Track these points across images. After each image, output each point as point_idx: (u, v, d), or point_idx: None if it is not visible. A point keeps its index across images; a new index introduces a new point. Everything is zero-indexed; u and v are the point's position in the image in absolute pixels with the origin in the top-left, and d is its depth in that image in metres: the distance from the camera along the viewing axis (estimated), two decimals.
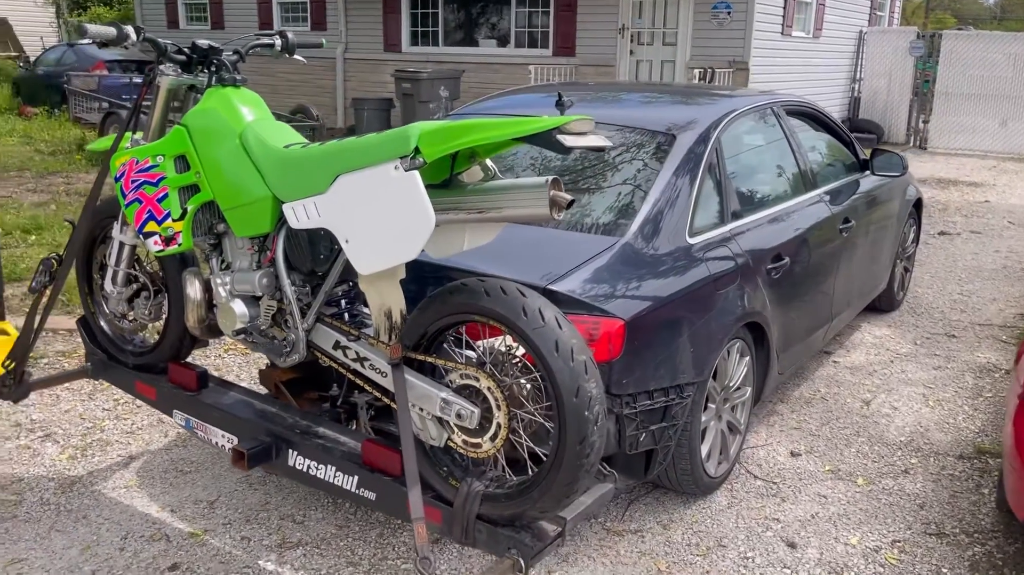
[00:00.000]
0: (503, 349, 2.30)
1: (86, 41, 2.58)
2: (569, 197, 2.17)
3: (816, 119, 4.65)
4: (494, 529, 2.29)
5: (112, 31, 2.58)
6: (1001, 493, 3.20)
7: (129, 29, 2.61)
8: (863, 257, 4.67)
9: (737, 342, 3.35)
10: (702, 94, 4.28)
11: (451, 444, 2.33)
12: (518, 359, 2.29)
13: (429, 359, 2.34)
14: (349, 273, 2.49)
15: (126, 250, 2.99)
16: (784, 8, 12.28)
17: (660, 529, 3.16)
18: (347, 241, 2.29)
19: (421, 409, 2.31)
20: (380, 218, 2.20)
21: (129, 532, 3.07)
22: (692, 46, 11.78)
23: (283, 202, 2.46)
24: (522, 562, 2.21)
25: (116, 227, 2.97)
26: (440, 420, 2.32)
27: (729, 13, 11.34)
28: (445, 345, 2.39)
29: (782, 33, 12.38)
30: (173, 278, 2.93)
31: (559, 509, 2.26)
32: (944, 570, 2.96)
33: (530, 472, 2.30)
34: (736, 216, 3.50)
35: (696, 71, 11.05)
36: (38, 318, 3.00)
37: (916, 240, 5.94)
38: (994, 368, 4.80)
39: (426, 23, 14.52)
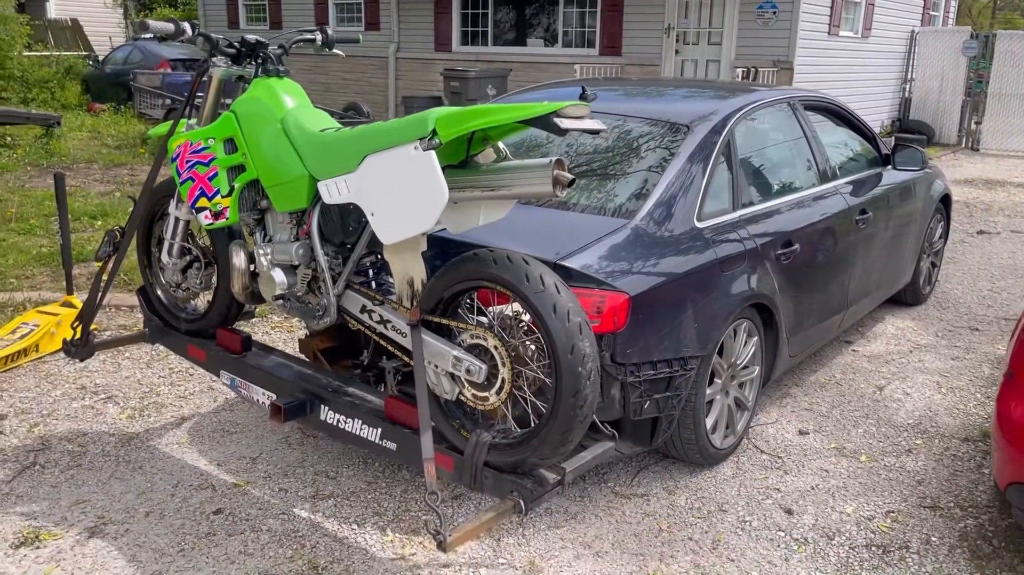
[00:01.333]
0: (510, 314, 2.55)
1: (148, 36, 2.89)
2: (571, 176, 2.41)
3: (837, 114, 4.79)
4: (499, 475, 2.54)
5: (170, 26, 2.90)
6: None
7: (186, 25, 2.93)
8: (882, 249, 4.80)
9: (744, 322, 3.54)
10: (724, 89, 4.47)
11: (462, 398, 2.59)
12: (523, 322, 2.54)
13: (444, 321, 2.60)
14: (375, 244, 2.77)
15: (181, 224, 3.31)
16: (831, 8, 12.28)
17: (665, 494, 3.38)
18: (372, 214, 2.56)
19: (436, 366, 2.58)
20: (401, 193, 2.46)
21: (180, 482, 3.40)
22: (737, 46, 11.86)
23: (318, 180, 2.75)
24: (522, 503, 2.46)
25: (172, 204, 3.29)
26: (452, 376, 2.57)
27: (775, 12, 11.40)
28: (460, 310, 2.65)
29: (828, 33, 12.37)
30: (222, 250, 3.24)
31: (556, 457, 2.49)
32: (934, 539, 3.12)
33: (532, 424, 2.54)
34: (747, 204, 3.69)
35: (739, 70, 11.14)
36: (103, 285, 3.34)
37: (945, 236, 6.02)
38: None
39: (476, 23, 14.83)
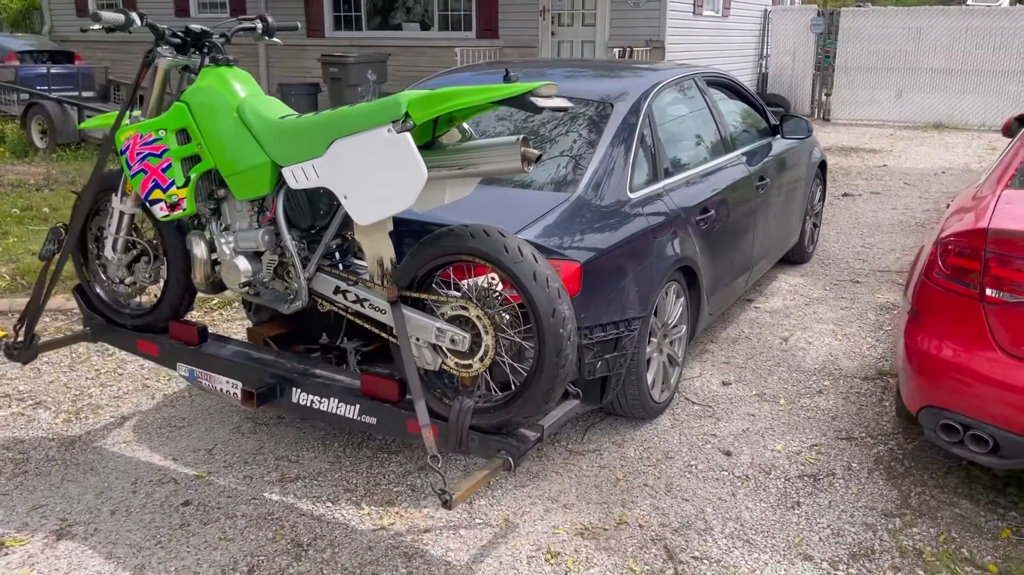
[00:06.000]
0: (485, 285, 2.70)
1: (96, 27, 2.83)
2: (537, 152, 2.58)
3: (731, 88, 5.16)
4: (485, 437, 2.69)
5: (121, 17, 2.86)
6: (899, 403, 3.77)
7: (135, 15, 2.90)
8: (777, 212, 5.22)
9: (673, 284, 3.82)
10: (633, 68, 4.73)
11: (445, 367, 2.72)
12: (499, 292, 2.69)
13: (423, 296, 2.72)
14: (345, 226, 2.85)
15: (125, 219, 3.26)
16: None
17: (615, 447, 3.62)
18: (346, 197, 2.64)
19: (417, 339, 2.70)
20: (376, 175, 2.56)
21: (138, 479, 3.37)
22: (611, 27, 12.29)
23: (281, 166, 2.79)
24: (511, 460, 2.63)
25: (116, 198, 3.24)
26: (434, 347, 2.70)
27: None
28: (433, 285, 2.77)
29: (694, 13, 13.00)
30: (171, 242, 3.22)
31: (539, 414, 2.68)
32: (854, 465, 3.50)
33: (513, 387, 2.71)
34: (668, 174, 3.96)
35: (616, 50, 11.56)
36: (47, 284, 3.25)
37: (823, 198, 6.56)
38: (892, 306, 5.42)
39: (348, 7, 14.66)
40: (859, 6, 22.24)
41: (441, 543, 2.96)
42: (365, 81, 12.37)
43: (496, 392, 2.78)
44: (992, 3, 23.33)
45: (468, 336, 2.62)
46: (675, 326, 3.92)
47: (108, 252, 3.30)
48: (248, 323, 4.24)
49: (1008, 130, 5.30)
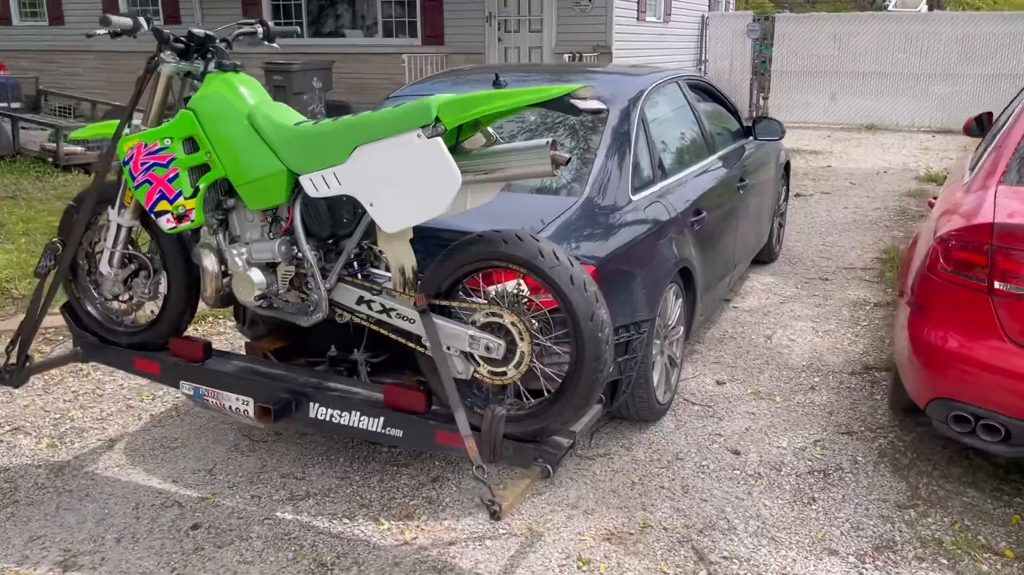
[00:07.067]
0: (514, 290, 2.66)
1: (102, 31, 2.70)
2: (567, 156, 2.56)
3: (708, 91, 5.22)
4: (520, 445, 2.65)
5: (130, 21, 2.74)
6: (894, 396, 3.87)
7: (142, 19, 2.77)
8: (753, 213, 5.31)
9: (673, 285, 3.84)
10: (620, 71, 4.76)
11: (477, 376, 2.67)
12: (527, 297, 2.66)
13: (450, 304, 2.67)
14: (367, 235, 2.77)
15: (123, 232, 3.12)
16: None
17: (624, 451, 3.61)
18: (372, 204, 2.57)
19: (448, 347, 2.64)
20: (406, 181, 2.50)
21: (139, 503, 3.22)
22: (557, 32, 12.36)
23: (298, 175, 2.71)
24: (549, 467, 2.59)
25: (112, 211, 3.10)
26: (466, 355, 2.65)
27: (591, 0, 11.97)
28: (460, 292, 2.72)
29: (638, 19, 13.17)
30: (172, 256, 3.09)
31: (576, 420, 2.65)
32: (859, 458, 3.57)
33: (546, 393, 2.67)
34: (663, 176, 3.99)
35: (566, 56, 11.62)
36: (42, 302, 3.08)
37: (787, 199, 6.70)
38: (864, 302, 5.57)
39: (289, 15, 14.41)
40: (779, 13, 22.88)
41: (469, 555, 2.91)
42: (310, 89, 12.15)
43: (528, 399, 2.74)
44: (912, 9, 24.31)
45: (503, 343, 2.57)
46: (674, 327, 3.94)
47: (104, 267, 3.15)
48: (230, 336, 4.10)
49: (968, 129, 5.50)
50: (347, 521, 3.10)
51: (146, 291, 3.17)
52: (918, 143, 13.49)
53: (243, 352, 3.59)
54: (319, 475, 3.40)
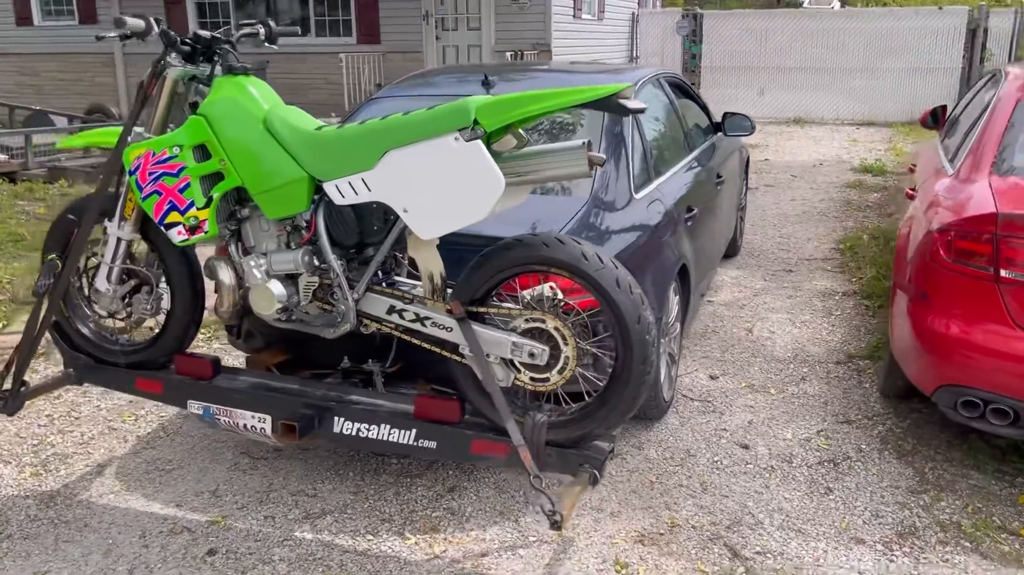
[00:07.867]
0: (550, 294, 2.61)
1: (112, 34, 2.53)
2: (603, 157, 2.52)
3: (682, 88, 5.26)
4: (564, 452, 2.60)
5: (142, 23, 2.58)
6: (886, 382, 3.96)
7: (152, 21, 2.62)
8: (726, 208, 5.38)
9: (673, 282, 3.85)
10: (606, 69, 4.75)
11: (517, 382, 2.61)
12: (563, 301, 2.61)
13: (486, 310, 2.60)
14: (399, 243, 2.68)
15: (123, 246, 2.94)
16: None
17: (636, 451, 3.61)
18: (405, 211, 2.49)
19: (488, 355, 2.57)
20: (443, 186, 2.42)
21: (145, 531, 3.05)
22: (496, 31, 12.32)
23: (321, 181, 2.60)
24: (596, 473, 2.56)
25: (111, 224, 2.92)
26: (506, 362, 2.59)
27: None
28: (495, 298, 2.66)
29: (574, 16, 13.25)
30: (176, 269, 2.94)
31: (622, 424, 2.62)
32: (863, 447, 3.65)
33: (587, 398, 2.64)
34: (658, 174, 3.99)
35: (508, 54, 11.59)
36: (40, 323, 2.88)
37: (746, 193, 6.82)
38: (832, 292, 5.71)
39: (215, 13, 13.99)
40: (687, 11, 23.39)
41: (504, 566, 2.85)
42: None
43: (568, 404, 2.69)
44: (825, 6, 25.13)
45: (547, 349, 2.52)
46: (672, 324, 3.95)
47: (101, 283, 2.97)
48: (219, 349, 3.94)
49: (925, 122, 5.69)
50: (371, 537, 3.00)
51: (148, 307, 3.01)
52: (846, 135, 13.94)
53: (247, 366, 3.43)
54: (331, 491, 3.29)
